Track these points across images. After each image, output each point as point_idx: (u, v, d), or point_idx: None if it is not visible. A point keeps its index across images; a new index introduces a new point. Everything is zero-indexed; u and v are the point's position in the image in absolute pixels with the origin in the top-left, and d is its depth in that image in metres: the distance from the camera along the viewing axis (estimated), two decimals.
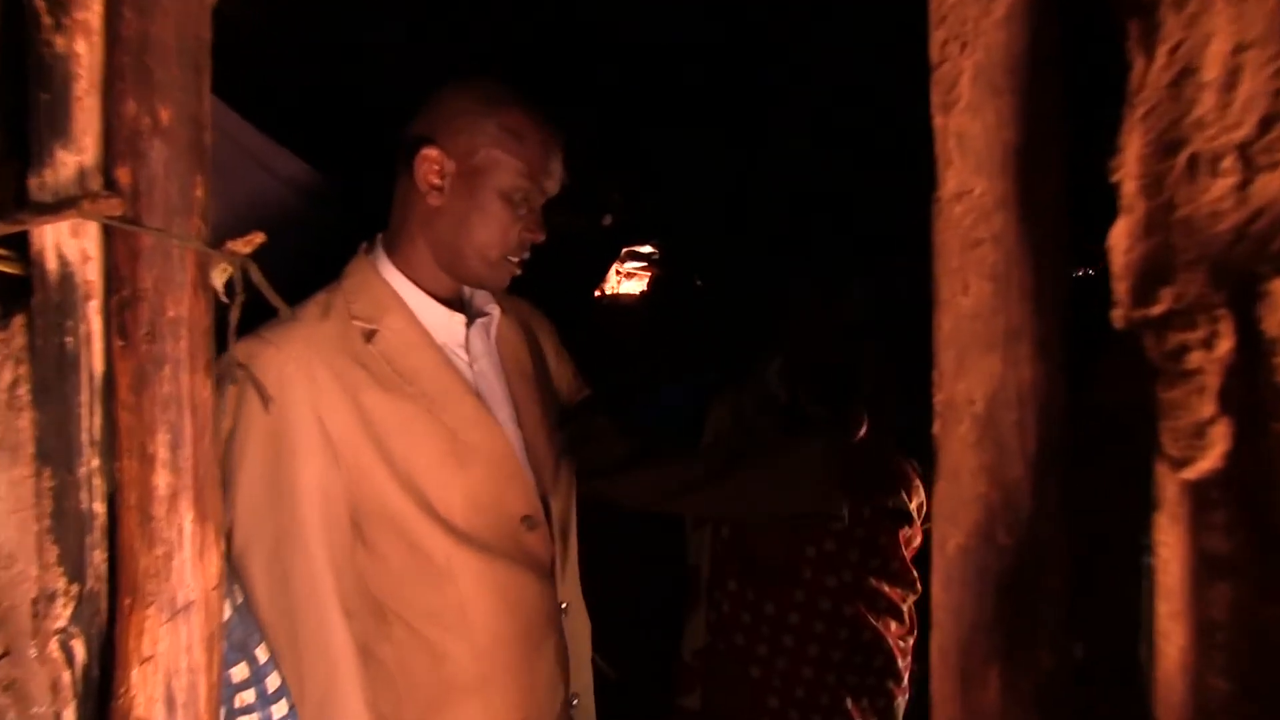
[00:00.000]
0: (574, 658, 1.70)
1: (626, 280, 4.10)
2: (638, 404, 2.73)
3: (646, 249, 3.95)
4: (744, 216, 3.32)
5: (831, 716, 2.38)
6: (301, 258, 1.57)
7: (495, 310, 1.68)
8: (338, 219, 1.74)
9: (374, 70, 2.05)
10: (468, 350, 1.63)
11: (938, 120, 0.83)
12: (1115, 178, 0.72)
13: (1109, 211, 0.75)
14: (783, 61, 2.73)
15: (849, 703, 2.39)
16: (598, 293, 4.05)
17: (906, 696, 2.48)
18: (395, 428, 1.50)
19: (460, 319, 1.62)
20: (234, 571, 1.42)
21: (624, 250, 3.95)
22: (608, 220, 3.76)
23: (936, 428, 0.86)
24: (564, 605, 1.67)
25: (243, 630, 1.36)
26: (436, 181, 1.53)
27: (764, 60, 2.74)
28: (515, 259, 1.59)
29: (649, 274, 4.03)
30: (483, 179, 1.53)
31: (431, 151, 1.52)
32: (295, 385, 1.36)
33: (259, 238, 1.18)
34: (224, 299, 1.21)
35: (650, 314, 3.88)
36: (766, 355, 2.56)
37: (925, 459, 2.53)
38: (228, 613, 1.33)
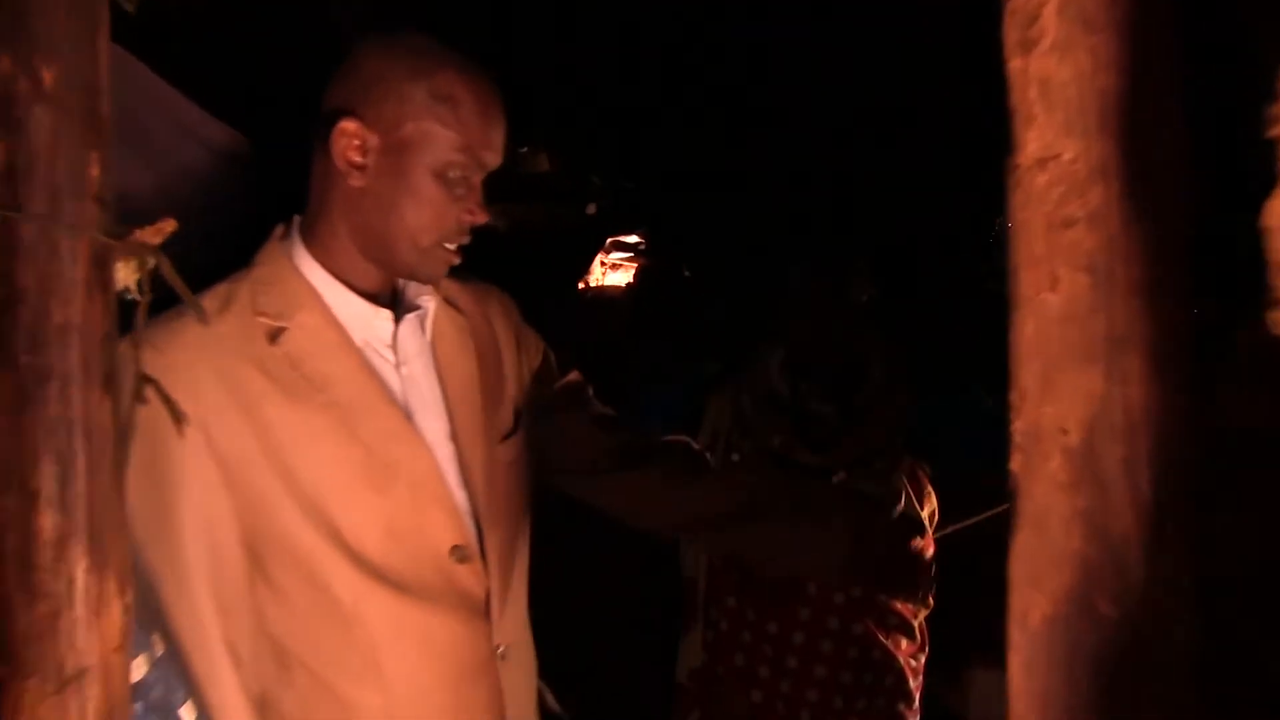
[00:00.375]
0: (513, 709, 1.49)
1: (612, 272, 3.94)
2: (628, 402, 2.57)
3: (632, 239, 3.81)
4: (734, 203, 3.16)
5: None
6: (243, 243, 1.39)
7: (430, 303, 1.47)
8: (284, 197, 1.53)
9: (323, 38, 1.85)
10: (395, 351, 1.43)
11: (1014, 64, 0.64)
12: (1274, 132, 0.53)
13: (1246, 181, 0.57)
14: (773, 43, 2.58)
15: None
16: (581, 285, 3.90)
17: (918, 718, 2.31)
18: (300, 445, 1.32)
19: (386, 315, 1.42)
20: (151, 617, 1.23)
21: (609, 240, 3.81)
22: (591, 209, 3.62)
23: (1015, 463, 0.67)
24: (501, 649, 1.46)
25: (163, 688, 1.18)
26: (357, 159, 1.33)
27: (754, 43, 2.61)
28: (453, 245, 1.40)
29: (635, 265, 3.89)
30: (412, 155, 1.33)
31: (350, 125, 1.32)
32: (176, 397, 1.13)
33: (170, 225, 0.98)
34: (137, 299, 1.02)
35: (637, 307, 3.73)
36: (766, 349, 2.39)
37: (936, 460, 2.42)
38: (142, 670, 1.14)
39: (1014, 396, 0.66)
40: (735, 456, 2.34)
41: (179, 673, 1.25)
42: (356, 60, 1.36)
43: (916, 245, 2.87)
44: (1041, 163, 0.63)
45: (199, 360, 1.29)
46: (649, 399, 2.60)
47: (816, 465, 2.27)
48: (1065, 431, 0.64)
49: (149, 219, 1.00)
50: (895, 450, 2.28)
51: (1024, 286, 0.65)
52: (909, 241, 2.81)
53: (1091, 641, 0.64)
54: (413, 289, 1.47)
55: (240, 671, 1.31)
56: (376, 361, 1.40)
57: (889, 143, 2.80)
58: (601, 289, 3.91)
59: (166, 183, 1.43)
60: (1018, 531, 0.67)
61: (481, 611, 1.43)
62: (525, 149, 3.41)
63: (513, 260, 3.29)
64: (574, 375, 1.74)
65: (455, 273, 1.46)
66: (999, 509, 2.45)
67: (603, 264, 3.87)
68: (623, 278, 3.93)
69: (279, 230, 1.42)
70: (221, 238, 1.38)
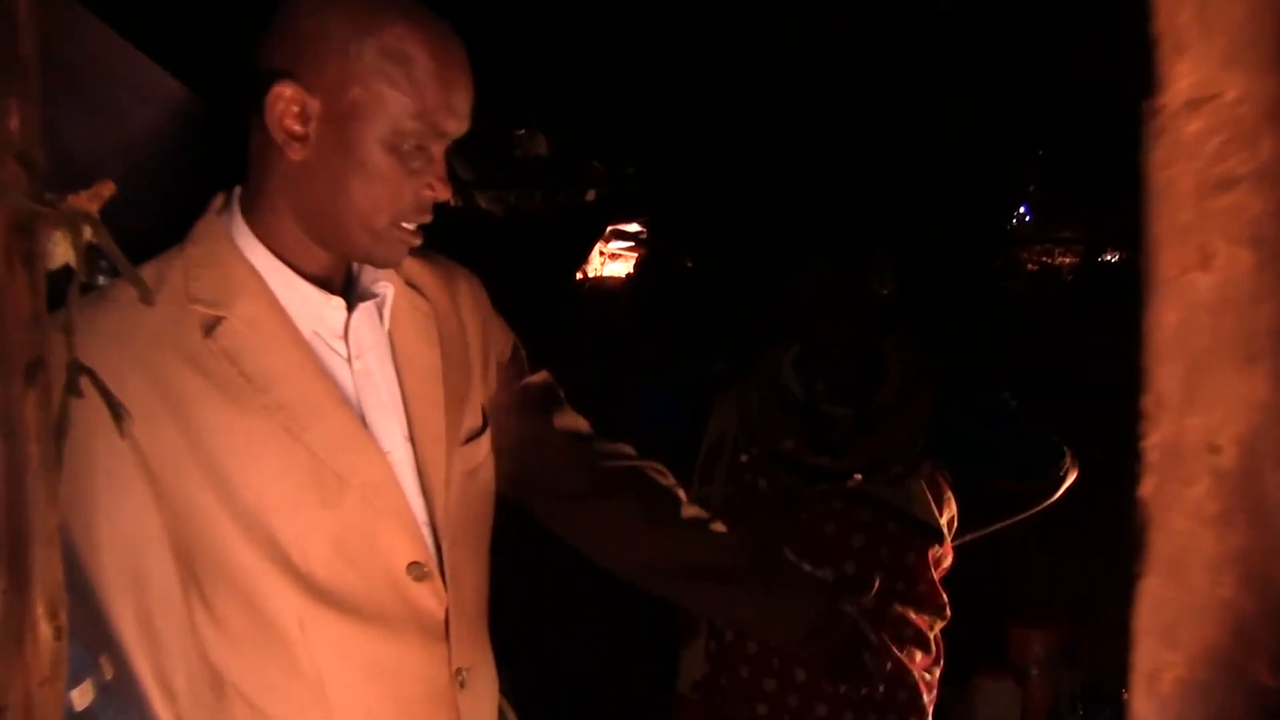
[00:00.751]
0: None
1: (611, 261, 3.81)
2: (628, 401, 2.43)
3: (633, 227, 3.69)
4: (742, 191, 3.02)
5: None
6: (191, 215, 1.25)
7: (388, 289, 1.31)
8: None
9: None
10: (348, 343, 1.28)
11: None
12: None
13: None
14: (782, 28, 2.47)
15: None
16: (579, 276, 3.78)
17: None
18: (239, 452, 1.17)
19: (338, 303, 1.26)
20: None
21: (608, 229, 3.68)
22: (591, 195, 3.50)
23: (1146, 487, 0.53)
24: (460, 675, 1.32)
25: (114, 708, 1.05)
26: (297, 129, 1.17)
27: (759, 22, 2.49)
28: (411, 225, 1.24)
29: (636, 255, 3.76)
30: (359, 123, 1.17)
31: (287, 89, 1.15)
32: (93, 397, 0.98)
33: (108, 189, 0.84)
34: (84, 277, 0.88)
35: (638, 300, 3.61)
36: (777, 346, 2.25)
37: (955, 465, 2.29)
38: (88, 698, 1.01)
39: (1148, 402, 0.52)
40: (744, 459, 2.21)
41: (132, 698, 1.13)
42: (292, 11, 1.18)
43: (934, 238, 2.75)
44: (1194, 104, 0.49)
45: (121, 353, 1.14)
46: (649, 398, 2.46)
47: (829, 470, 2.14)
48: (1216, 449, 0.50)
49: (145, 201, 0.86)
50: (913, 455, 2.15)
51: (1164, 264, 0.51)
52: (927, 234, 2.69)
53: (1243, 713, 0.50)
54: (369, 273, 1.32)
55: (175, 706, 1.17)
56: (326, 356, 1.25)
57: (903, 131, 2.68)
58: (600, 280, 3.79)
59: (126, 146, 1.29)
60: (1147, 574, 0.53)
61: (440, 634, 1.30)
62: (523, 131, 3.29)
63: (507, 248, 3.16)
64: (544, 375, 1.58)
65: (419, 250, 1.30)
66: (1018, 516, 2.32)
67: (602, 254, 3.74)
68: (623, 268, 3.81)
69: (217, 201, 1.26)
70: (175, 207, 1.23)
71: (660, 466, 1.63)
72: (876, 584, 1.74)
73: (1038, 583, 2.89)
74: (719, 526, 1.63)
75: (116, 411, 0.95)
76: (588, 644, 2.02)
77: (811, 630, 1.63)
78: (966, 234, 2.91)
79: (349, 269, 1.31)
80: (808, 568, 1.69)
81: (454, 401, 1.35)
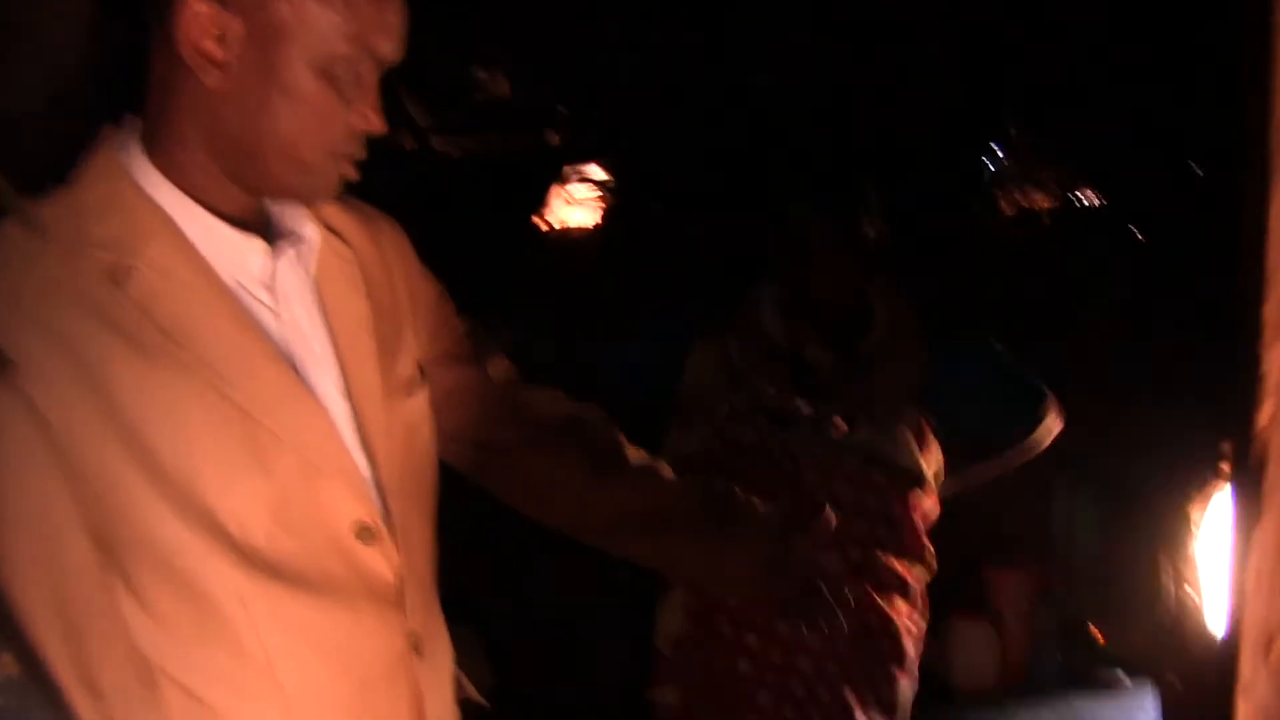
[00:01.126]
0: (433, 708, 1.28)
1: (575, 209, 3.71)
2: (599, 350, 2.36)
3: (598, 172, 3.59)
4: (715, 128, 2.94)
5: (831, 712, 2.09)
6: None
7: (311, 231, 1.21)
8: None
9: None
10: (272, 292, 1.18)
11: None
12: None
13: None
14: None
15: (850, 696, 2.09)
16: (542, 225, 3.67)
17: (915, 685, 2.17)
18: (161, 416, 1.06)
19: (259, 246, 1.16)
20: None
21: (573, 174, 3.59)
22: (554, 138, 3.40)
23: (1263, 417, 0.46)
24: (417, 642, 1.25)
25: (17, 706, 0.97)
26: (214, 52, 1.06)
27: None
28: (345, 156, 1.15)
29: (602, 202, 3.67)
30: (287, 44, 1.06)
31: (202, 6, 1.04)
32: None
33: None
34: None
35: (606, 250, 3.52)
36: (757, 290, 2.19)
37: (941, 413, 2.25)
38: None
39: (1262, 362, 0.46)
40: (724, 407, 2.14)
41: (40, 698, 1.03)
42: None
43: (923, 179, 2.69)
44: None
45: (12, 311, 1.03)
46: (623, 346, 2.37)
47: (814, 417, 2.08)
48: None
49: (41, 129, 0.76)
50: (900, 402, 2.11)
51: None
52: (914, 175, 2.62)
53: None
54: (287, 214, 1.21)
55: (101, 705, 1.06)
56: (251, 306, 1.15)
57: (887, 58, 2.60)
58: (566, 229, 3.69)
59: (56, 85, 1.17)
60: (1262, 515, 0.47)
61: (393, 600, 1.21)
62: (481, 71, 3.17)
63: (465, 195, 3.05)
64: (472, 324, 1.50)
65: (338, 195, 1.21)
66: (1004, 464, 2.29)
67: (566, 200, 3.64)
68: (589, 216, 3.71)
69: (108, 135, 1.14)
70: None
71: (600, 412, 1.57)
72: (828, 512, 1.69)
73: (1014, 524, 2.87)
74: (666, 472, 1.57)
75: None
76: (564, 598, 1.96)
77: (765, 571, 1.59)
78: (945, 176, 2.87)
79: (264, 209, 1.20)
80: (758, 504, 1.62)
81: (387, 352, 1.26)
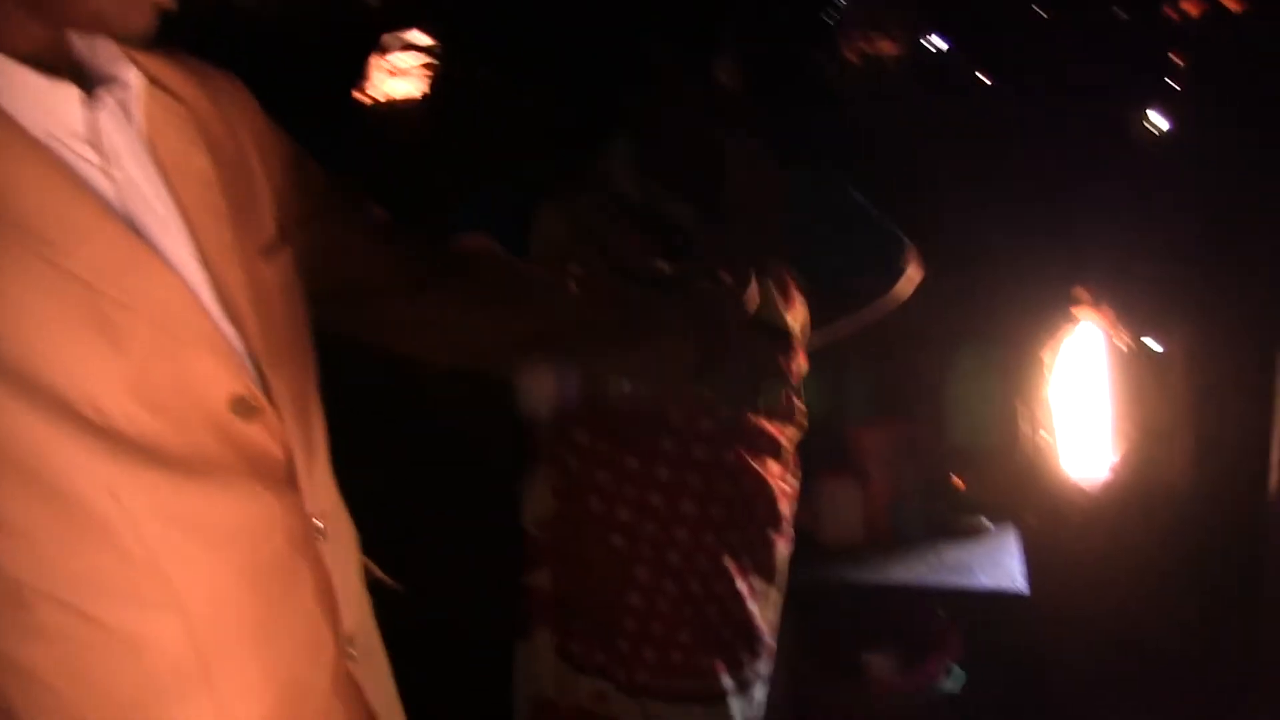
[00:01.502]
0: (341, 591, 1.19)
1: (398, 79, 3.47)
2: (436, 218, 2.17)
3: (420, 37, 3.36)
4: None
5: (711, 581, 2.05)
6: None
7: (131, 75, 1.05)
8: None
9: None
10: (98, 149, 1.02)
11: None
12: None
13: None
14: None
15: (729, 563, 2.05)
16: (362, 97, 3.43)
17: (791, 545, 2.13)
18: None
19: (72, 93, 1.00)
20: None
21: (392, 42, 3.35)
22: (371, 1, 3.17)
23: None
24: (318, 523, 1.15)
25: None
26: None
27: None
28: None
29: (427, 70, 3.44)
30: None
31: None
32: None
33: None
34: None
35: (434, 121, 3.30)
36: (605, 143, 2.04)
37: (805, 266, 2.17)
38: None
39: None
40: (575, 269, 2.00)
41: None
42: None
43: (770, 28, 2.57)
44: None
45: None
46: (463, 211, 2.16)
47: (674, 275, 1.97)
48: None
49: None
50: (762, 256, 2.01)
51: None
52: (763, 24, 2.49)
53: None
54: (100, 55, 1.04)
55: None
56: (74, 164, 0.99)
57: None
58: (390, 100, 3.45)
59: None
60: None
61: (286, 479, 1.11)
62: None
63: (275, 64, 2.78)
64: (334, 175, 1.38)
65: (163, 48, 1.07)
66: (868, 317, 2.25)
67: (387, 70, 3.40)
68: (414, 86, 3.47)
69: None
70: None
71: (487, 240, 1.52)
72: (753, 281, 1.62)
73: (874, 379, 2.86)
74: (571, 286, 1.55)
75: None
76: (413, 486, 1.82)
77: (703, 354, 1.57)
78: (793, 24, 2.77)
79: (71, 54, 1.03)
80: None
81: (241, 212, 1.14)
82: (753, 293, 1.74)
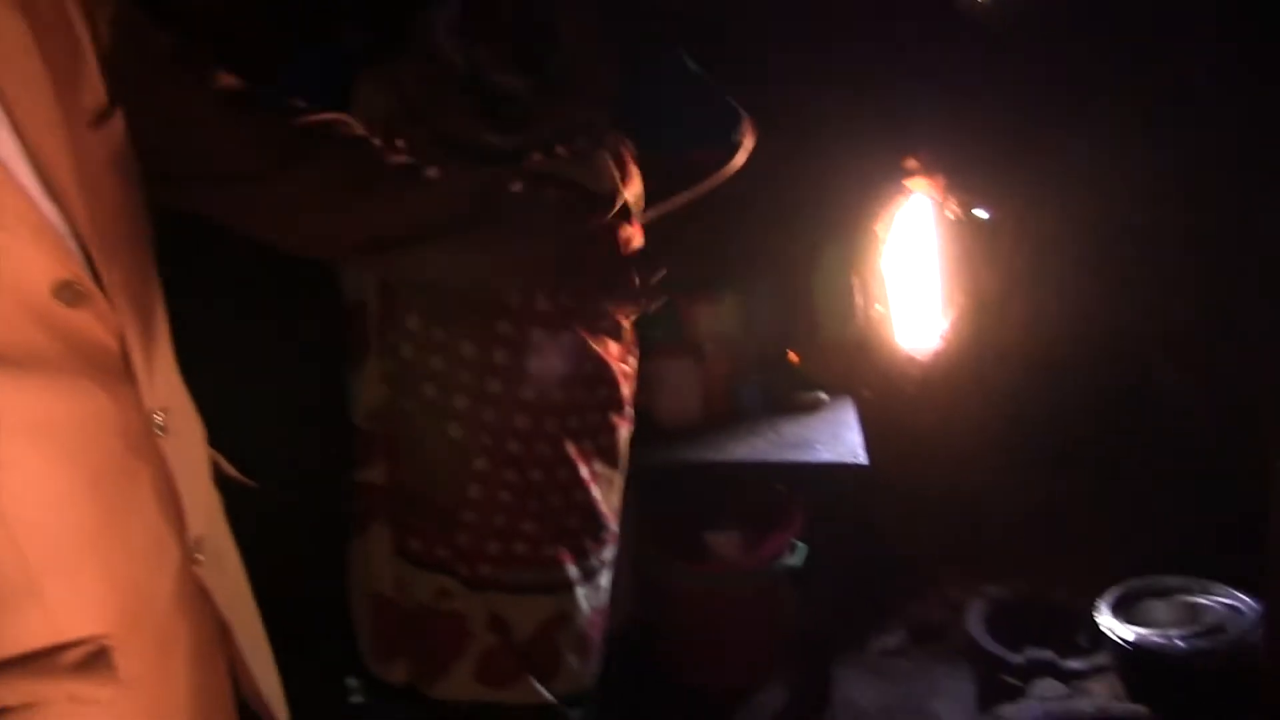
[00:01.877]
0: (187, 491, 1.13)
1: None
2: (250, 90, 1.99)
3: None
4: None
5: (553, 468, 1.98)
6: None
7: None
8: None
9: None
10: None
11: None
12: None
13: None
14: None
15: (571, 448, 1.98)
16: None
17: (631, 426, 2.08)
18: None
19: None
20: None
21: None
22: None
23: None
24: (159, 419, 1.08)
25: None
26: None
27: None
28: None
29: None
30: None
31: None
32: None
33: None
34: None
35: None
36: (428, 13, 1.89)
37: (640, 134, 2.08)
38: None
39: None
40: (400, 144, 1.87)
41: None
42: None
43: None
44: None
45: None
46: (279, 81, 2.00)
47: (506, 149, 1.85)
48: None
49: None
50: (597, 126, 1.91)
51: None
52: None
53: None
54: None
55: None
56: None
57: None
58: None
59: None
60: None
61: (119, 371, 1.04)
62: None
63: None
64: (180, 42, 1.26)
65: None
66: (704, 187, 2.18)
67: None
68: None
69: None
70: None
71: (350, 120, 1.43)
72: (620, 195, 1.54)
73: (709, 254, 2.80)
74: (431, 173, 1.47)
75: None
76: (232, 380, 1.68)
77: (560, 253, 1.56)
78: None
79: None
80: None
81: (63, 78, 1.04)
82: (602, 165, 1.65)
